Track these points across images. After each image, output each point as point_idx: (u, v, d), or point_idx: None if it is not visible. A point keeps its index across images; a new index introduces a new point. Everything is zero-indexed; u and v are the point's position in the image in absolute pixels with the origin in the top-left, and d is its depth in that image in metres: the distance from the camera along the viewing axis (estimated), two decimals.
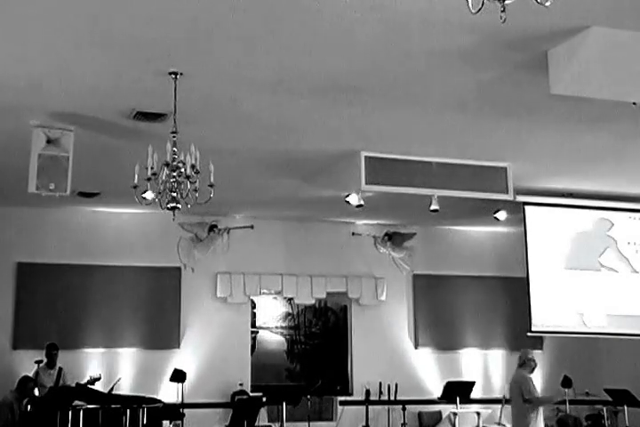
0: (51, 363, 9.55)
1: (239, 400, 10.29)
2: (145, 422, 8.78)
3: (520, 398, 8.27)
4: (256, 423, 9.44)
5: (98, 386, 9.38)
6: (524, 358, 8.46)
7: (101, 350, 10.50)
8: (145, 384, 10.30)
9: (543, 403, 8.56)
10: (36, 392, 9.14)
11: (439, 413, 11.38)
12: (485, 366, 12.04)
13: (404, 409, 10.76)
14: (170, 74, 5.51)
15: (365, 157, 7.66)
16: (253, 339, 11.37)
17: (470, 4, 2.88)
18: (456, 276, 12.04)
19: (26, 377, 9.24)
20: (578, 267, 9.82)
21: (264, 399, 9.70)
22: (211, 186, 5.60)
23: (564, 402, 10.67)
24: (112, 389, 9.34)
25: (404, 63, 5.38)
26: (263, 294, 11.32)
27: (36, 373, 9.32)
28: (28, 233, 10.41)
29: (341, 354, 11.65)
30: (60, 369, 9.45)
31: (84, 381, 9.44)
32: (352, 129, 7.05)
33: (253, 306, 11.44)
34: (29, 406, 8.80)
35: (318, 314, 11.83)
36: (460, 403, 10.32)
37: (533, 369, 8.48)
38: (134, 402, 8.88)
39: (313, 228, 11.52)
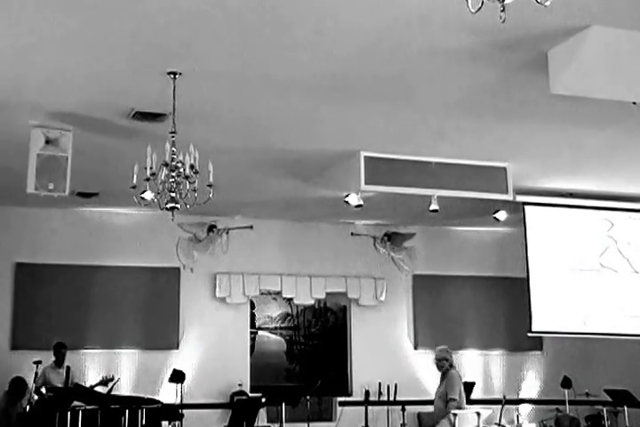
0: (59, 362, 9.47)
1: (238, 401, 10.27)
2: (144, 422, 8.76)
3: None
4: (255, 424, 9.41)
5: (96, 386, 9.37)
6: None
7: (100, 350, 10.46)
8: (144, 385, 10.27)
9: None
10: (32, 395, 9.10)
11: None
12: (485, 366, 12.01)
13: (403, 410, 10.71)
14: (169, 74, 5.50)
15: (365, 156, 7.65)
16: (252, 339, 11.34)
17: (470, 4, 2.87)
18: (456, 276, 12.01)
19: (18, 378, 9.17)
20: (578, 267, 9.81)
21: (263, 400, 9.65)
22: (210, 186, 5.59)
23: (563, 402, 10.67)
24: (111, 389, 9.31)
25: (404, 63, 5.37)
26: (262, 294, 11.31)
27: (43, 373, 9.24)
28: (26, 233, 10.39)
29: (341, 355, 11.63)
30: (68, 368, 9.36)
31: (96, 381, 9.40)
32: (352, 129, 7.04)
33: (252, 306, 11.41)
34: (28, 408, 8.76)
35: (318, 314, 11.80)
36: None
37: None
38: (133, 403, 8.85)
39: (312, 228, 11.50)
